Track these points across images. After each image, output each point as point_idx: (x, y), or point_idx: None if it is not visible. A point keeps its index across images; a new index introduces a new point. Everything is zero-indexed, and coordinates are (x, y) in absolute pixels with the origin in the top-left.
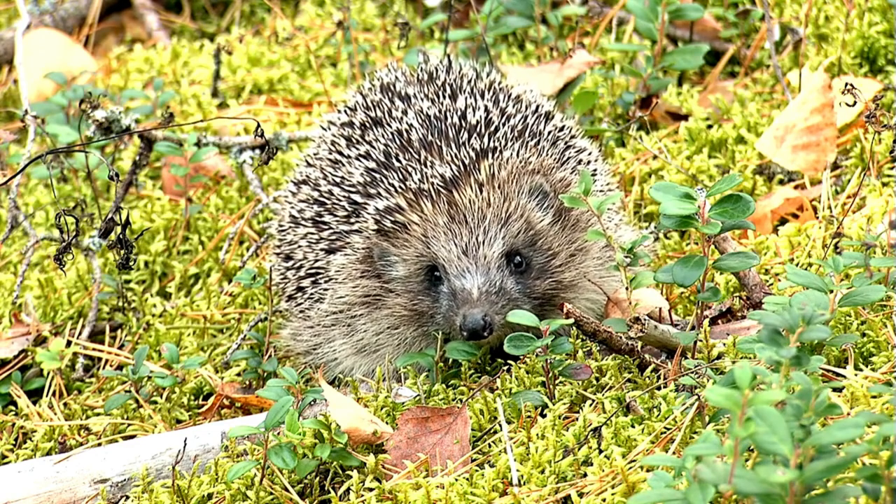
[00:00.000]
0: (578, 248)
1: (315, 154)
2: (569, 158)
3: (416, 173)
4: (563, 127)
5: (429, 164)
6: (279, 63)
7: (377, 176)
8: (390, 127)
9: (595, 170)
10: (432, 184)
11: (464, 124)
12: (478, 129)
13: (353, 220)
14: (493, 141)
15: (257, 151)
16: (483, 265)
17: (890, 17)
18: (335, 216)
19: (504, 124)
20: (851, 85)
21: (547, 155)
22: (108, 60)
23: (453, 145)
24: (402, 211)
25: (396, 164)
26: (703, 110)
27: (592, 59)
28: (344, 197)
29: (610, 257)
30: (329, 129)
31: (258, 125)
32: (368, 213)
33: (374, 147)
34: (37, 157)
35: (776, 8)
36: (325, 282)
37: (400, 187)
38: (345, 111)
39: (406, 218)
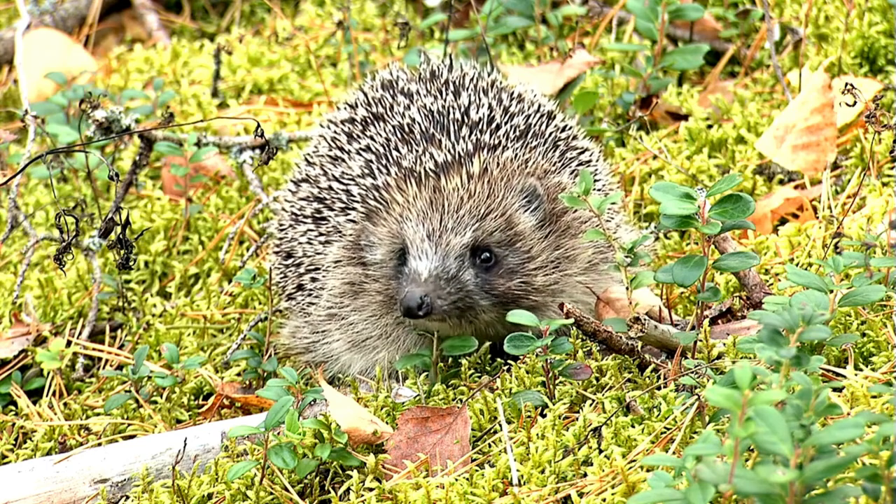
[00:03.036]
0: (564, 254)
1: (315, 151)
2: (570, 159)
3: (412, 157)
4: (565, 127)
5: (427, 154)
6: (279, 63)
7: (374, 165)
8: (392, 121)
9: (596, 170)
10: (424, 167)
11: (466, 120)
12: (480, 126)
13: (349, 210)
14: (494, 139)
15: (257, 151)
16: (442, 251)
17: (890, 17)
18: (333, 210)
19: (507, 122)
20: (851, 85)
21: (548, 156)
22: (108, 60)
23: (454, 140)
24: (387, 189)
25: (396, 154)
26: (703, 110)
27: (592, 59)
28: (342, 190)
29: (605, 259)
30: (329, 127)
31: (258, 125)
32: (359, 194)
33: (374, 140)
34: (37, 157)
35: (776, 8)
36: (323, 276)
37: (393, 171)
38: (346, 108)
39: (390, 196)
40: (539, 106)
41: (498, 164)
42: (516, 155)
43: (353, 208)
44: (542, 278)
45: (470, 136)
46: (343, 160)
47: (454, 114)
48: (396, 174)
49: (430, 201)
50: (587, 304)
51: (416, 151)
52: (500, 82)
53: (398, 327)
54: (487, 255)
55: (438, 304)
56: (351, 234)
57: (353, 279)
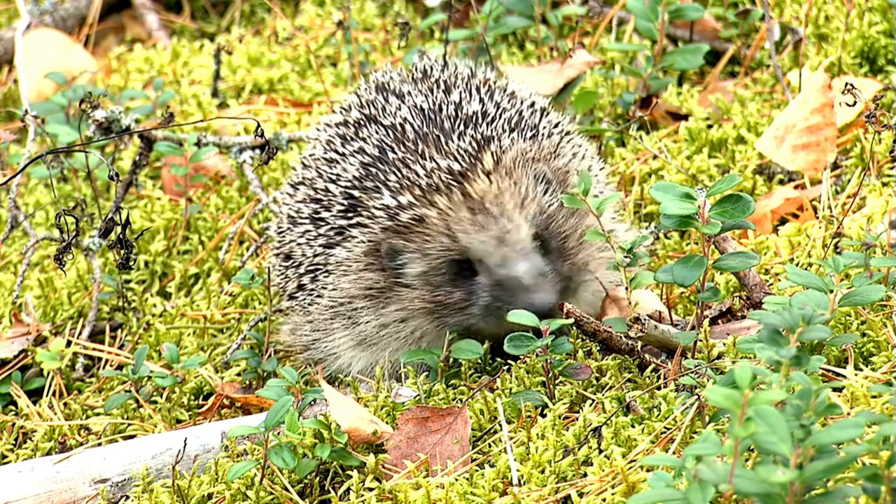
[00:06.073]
0: (583, 234)
1: (311, 155)
2: (564, 153)
3: (417, 167)
4: (558, 123)
5: (427, 156)
6: (279, 63)
7: (373, 170)
8: (385, 122)
9: (590, 165)
10: (440, 178)
11: (459, 114)
12: (474, 120)
13: (351, 214)
14: (491, 131)
15: (257, 151)
16: (520, 251)
17: (890, 17)
18: (332, 212)
19: (500, 116)
20: (851, 85)
21: (543, 145)
22: (108, 60)
23: (450, 136)
24: (415, 207)
25: (392, 156)
26: (703, 110)
27: (592, 59)
28: (341, 192)
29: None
30: (324, 130)
31: (258, 125)
32: (375, 210)
33: (367, 143)
34: (37, 157)
35: (776, 8)
36: (325, 276)
37: (406, 183)
38: (339, 111)
39: (422, 213)
40: (532, 102)
41: (505, 153)
42: (515, 143)
43: (358, 213)
44: (580, 255)
45: (465, 131)
46: (338, 162)
47: (447, 109)
48: (413, 190)
49: (469, 208)
50: (613, 282)
51: (413, 151)
52: (494, 81)
53: (429, 331)
54: (540, 242)
55: (552, 298)
56: (367, 242)
57: (372, 285)
